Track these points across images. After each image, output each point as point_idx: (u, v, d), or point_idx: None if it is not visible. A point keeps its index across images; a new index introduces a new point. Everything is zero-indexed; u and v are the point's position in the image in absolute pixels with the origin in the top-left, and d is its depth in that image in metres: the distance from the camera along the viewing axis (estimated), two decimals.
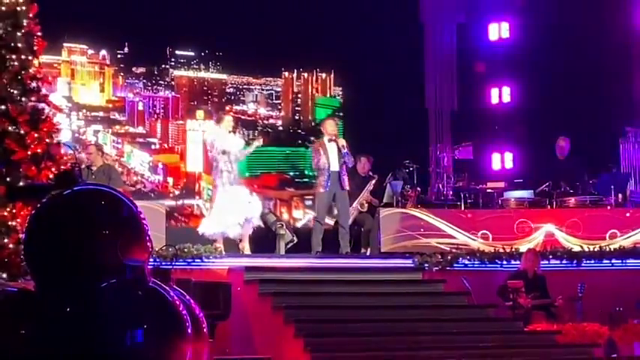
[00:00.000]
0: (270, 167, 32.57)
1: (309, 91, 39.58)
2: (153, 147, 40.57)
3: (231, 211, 14.73)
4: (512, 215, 16.17)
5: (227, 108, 35.45)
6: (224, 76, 40.75)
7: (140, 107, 40.39)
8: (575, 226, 15.94)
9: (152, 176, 38.69)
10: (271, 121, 39.79)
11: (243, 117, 38.12)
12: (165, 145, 40.47)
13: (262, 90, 40.36)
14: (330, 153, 15.48)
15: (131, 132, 39.95)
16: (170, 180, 38.03)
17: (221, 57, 39.34)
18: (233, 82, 40.92)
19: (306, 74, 40.08)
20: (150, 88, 40.20)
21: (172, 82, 40.23)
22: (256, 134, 31.94)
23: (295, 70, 39.46)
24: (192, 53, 40.06)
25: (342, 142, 15.54)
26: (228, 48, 32.95)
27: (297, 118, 39.45)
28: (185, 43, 37.88)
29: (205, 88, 40.64)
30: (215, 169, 15.09)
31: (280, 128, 38.92)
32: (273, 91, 40.33)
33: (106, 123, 39.02)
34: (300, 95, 39.49)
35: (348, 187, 15.59)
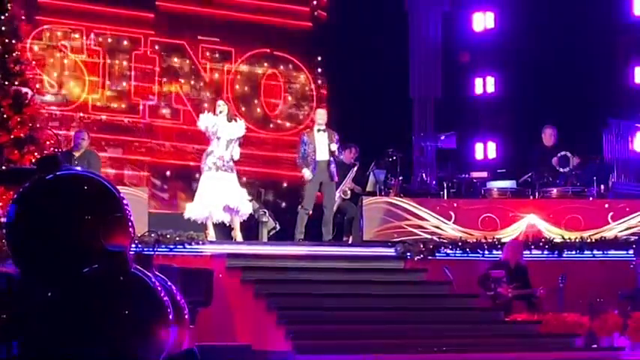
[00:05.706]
0: None
1: None
2: None
3: (214, 195, 14.67)
4: (495, 205, 16.19)
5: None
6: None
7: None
8: (557, 216, 15.98)
9: None
10: None
11: None
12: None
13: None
14: (318, 143, 15.47)
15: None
16: None
17: None
18: None
19: None
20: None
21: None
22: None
23: None
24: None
25: (334, 134, 15.55)
26: None
27: None
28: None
29: None
30: (205, 152, 15.06)
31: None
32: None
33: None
34: None
35: (336, 179, 15.62)
